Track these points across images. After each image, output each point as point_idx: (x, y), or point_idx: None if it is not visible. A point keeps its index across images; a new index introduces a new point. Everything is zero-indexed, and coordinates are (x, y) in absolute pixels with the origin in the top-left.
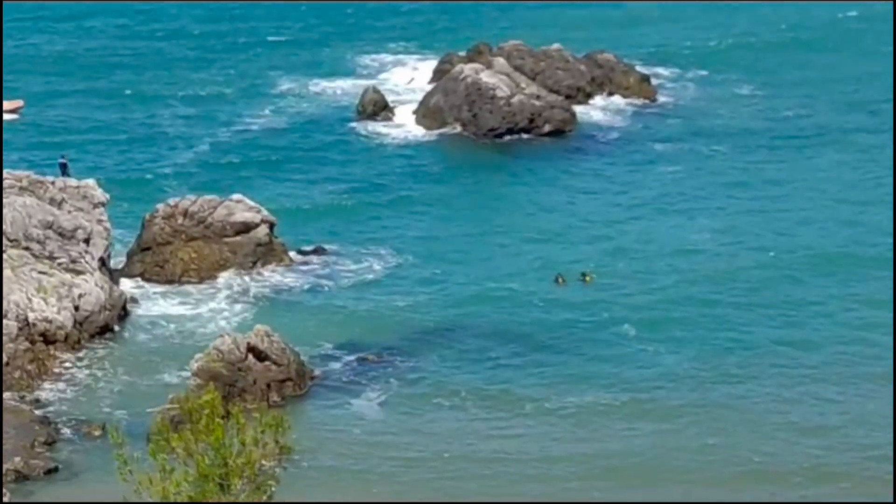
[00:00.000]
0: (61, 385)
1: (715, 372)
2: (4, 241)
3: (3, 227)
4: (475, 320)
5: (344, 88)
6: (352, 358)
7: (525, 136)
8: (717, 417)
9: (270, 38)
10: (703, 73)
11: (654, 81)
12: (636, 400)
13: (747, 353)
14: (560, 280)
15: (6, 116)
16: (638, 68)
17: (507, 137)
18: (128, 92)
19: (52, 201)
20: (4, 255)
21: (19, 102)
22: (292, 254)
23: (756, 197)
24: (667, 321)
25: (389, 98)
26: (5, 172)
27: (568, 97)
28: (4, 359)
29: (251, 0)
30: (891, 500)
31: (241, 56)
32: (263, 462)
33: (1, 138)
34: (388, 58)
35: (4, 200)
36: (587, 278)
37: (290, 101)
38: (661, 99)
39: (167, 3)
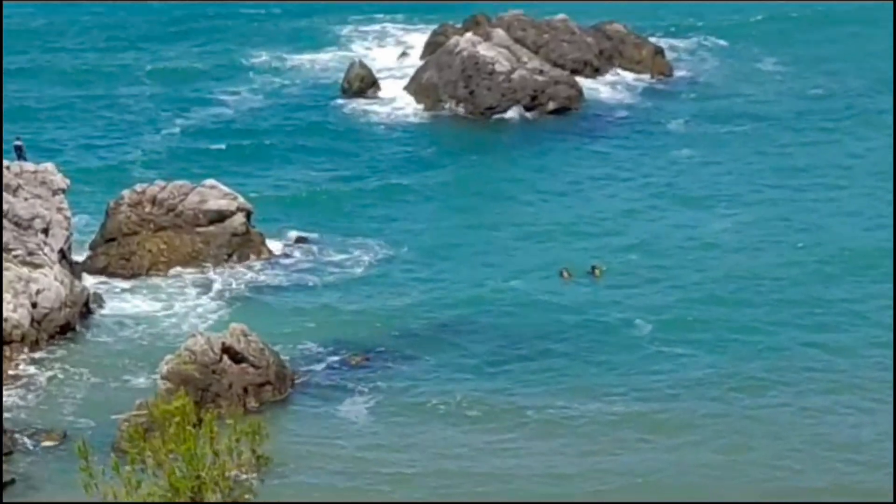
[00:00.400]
0: (18, 390)
1: (737, 378)
2: None
3: None
4: (472, 320)
5: (325, 62)
6: (337, 360)
7: (527, 114)
8: (739, 429)
9: (243, 10)
10: (723, 44)
11: (668, 55)
12: (650, 410)
13: (773, 358)
14: (565, 274)
15: None
16: (651, 40)
17: (508, 115)
18: (88, 67)
19: (6, 188)
20: None
21: None
22: (271, 245)
23: (781, 184)
24: (684, 322)
25: (378, 73)
26: None
27: (574, 72)
28: None
29: None
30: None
31: (212, 27)
32: (239, 474)
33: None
34: (375, 28)
35: None
36: (596, 272)
37: (267, 77)
38: (677, 74)
39: None
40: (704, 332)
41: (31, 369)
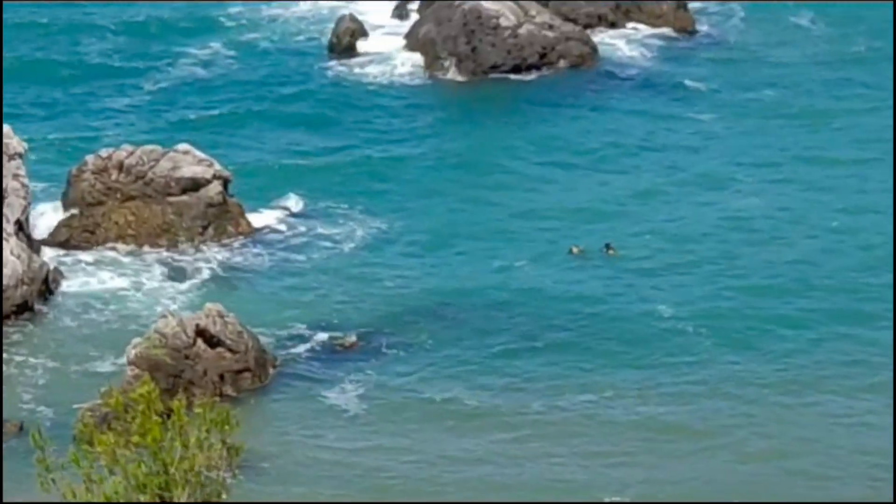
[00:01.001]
0: None
1: (769, 377)
2: None
3: None
4: (473, 305)
5: (307, 13)
6: (324, 345)
7: (535, 73)
8: (772, 434)
9: None
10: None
11: (692, 6)
12: (671, 412)
13: (809, 354)
14: (575, 249)
15: None
16: None
17: (513, 77)
18: (44, 20)
19: None
20: None
21: None
22: (251, 217)
23: (814, 158)
24: (710, 312)
25: (370, 29)
26: None
27: (587, 27)
28: None
29: None
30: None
31: None
32: (209, 468)
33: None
34: None
35: None
36: (611, 251)
37: (242, 32)
38: (701, 30)
39: None
40: (733, 324)
41: None
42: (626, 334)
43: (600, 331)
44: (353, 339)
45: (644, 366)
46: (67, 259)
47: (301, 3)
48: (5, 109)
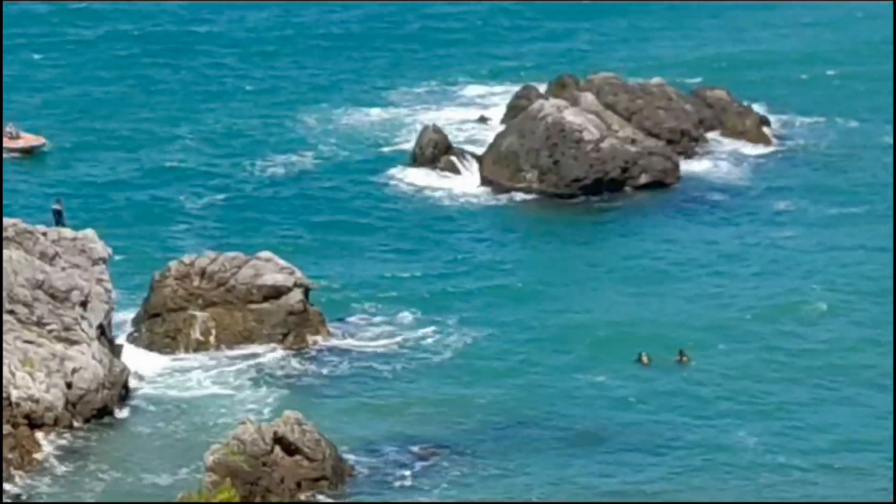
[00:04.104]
0: (46, 479)
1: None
2: None
3: None
4: (549, 418)
5: (382, 120)
6: (400, 454)
7: (616, 187)
8: None
9: (289, 70)
10: (841, 120)
11: (775, 124)
12: None
13: None
14: (644, 358)
15: (12, 153)
16: (756, 108)
17: (594, 192)
18: (130, 127)
19: (43, 256)
20: None
21: (40, 140)
22: (331, 325)
23: None
24: (791, 432)
25: (453, 139)
26: None
27: (670, 142)
28: None
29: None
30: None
31: (260, 79)
32: None
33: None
34: (451, 88)
35: None
36: (684, 358)
37: (320, 138)
38: (783, 145)
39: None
40: (814, 442)
41: (62, 456)
42: (703, 455)
43: (676, 452)
44: (430, 449)
45: (721, 487)
46: (148, 364)
47: (382, 111)
48: (91, 215)
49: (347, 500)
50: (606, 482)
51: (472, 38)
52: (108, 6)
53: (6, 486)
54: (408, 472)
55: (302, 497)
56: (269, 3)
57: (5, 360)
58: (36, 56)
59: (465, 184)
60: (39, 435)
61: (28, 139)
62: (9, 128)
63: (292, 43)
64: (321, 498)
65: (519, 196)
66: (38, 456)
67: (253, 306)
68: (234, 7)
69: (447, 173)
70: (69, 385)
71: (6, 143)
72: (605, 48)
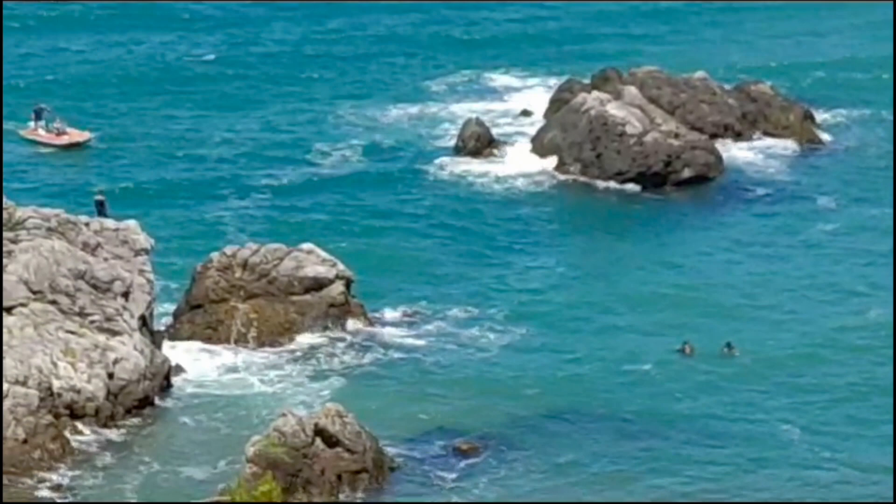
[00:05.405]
0: (87, 469)
1: None
2: (26, 293)
3: (27, 275)
4: (594, 408)
5: (421, 115)
6: (442, 447)
7: (660, 180)
8: None
9: (331, 63)
10: (886, 113)
11: (820, 119)
12: None
13: None
14: (688, 349)
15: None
16: (801, 104)
17: (638, 184)
18: (174, 123)
19: (85, 246)
20: (26, 310)
21: (86, 135)
22: (373, 317)
23: None
24: (837, 431)
25: (495, 132)
26: (31, 210)
27: (713, 136)
28: (22, 436)
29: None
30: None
31: (304, 78)
32: None
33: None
34: (493, 81)
35: (28, 244)
36: (734, 350)
37: (363, 132)
38: (827, 141)
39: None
40: (858, 441)
41: (104, 447)
42: (747, 448)
43: (723, 447)
44: (473, 443)
45: (767, 485)
46: (189, 355)
47: (424, 106)
48: (132, 209)
49: (383, 500)
50: (667, 481)
51: (514, 36)
52: (150, 4)
53: (48, 476)
54: (450, 466)
55: (343, 492)
56: (309, 2)
57: (47, 351)
58: (83, 52)
59: (508, 175)
60: (80, 425)
61: (74, 135)
62: (56, 123)
63: (336, 44)
64: (359, 496)
65: (563, 184)
66: (78, 447)
67: (294, 298)
68: (279, 7)
69: (490, 165)
70: (111, 376)
71: (53, 139)
72: (651, 45)
